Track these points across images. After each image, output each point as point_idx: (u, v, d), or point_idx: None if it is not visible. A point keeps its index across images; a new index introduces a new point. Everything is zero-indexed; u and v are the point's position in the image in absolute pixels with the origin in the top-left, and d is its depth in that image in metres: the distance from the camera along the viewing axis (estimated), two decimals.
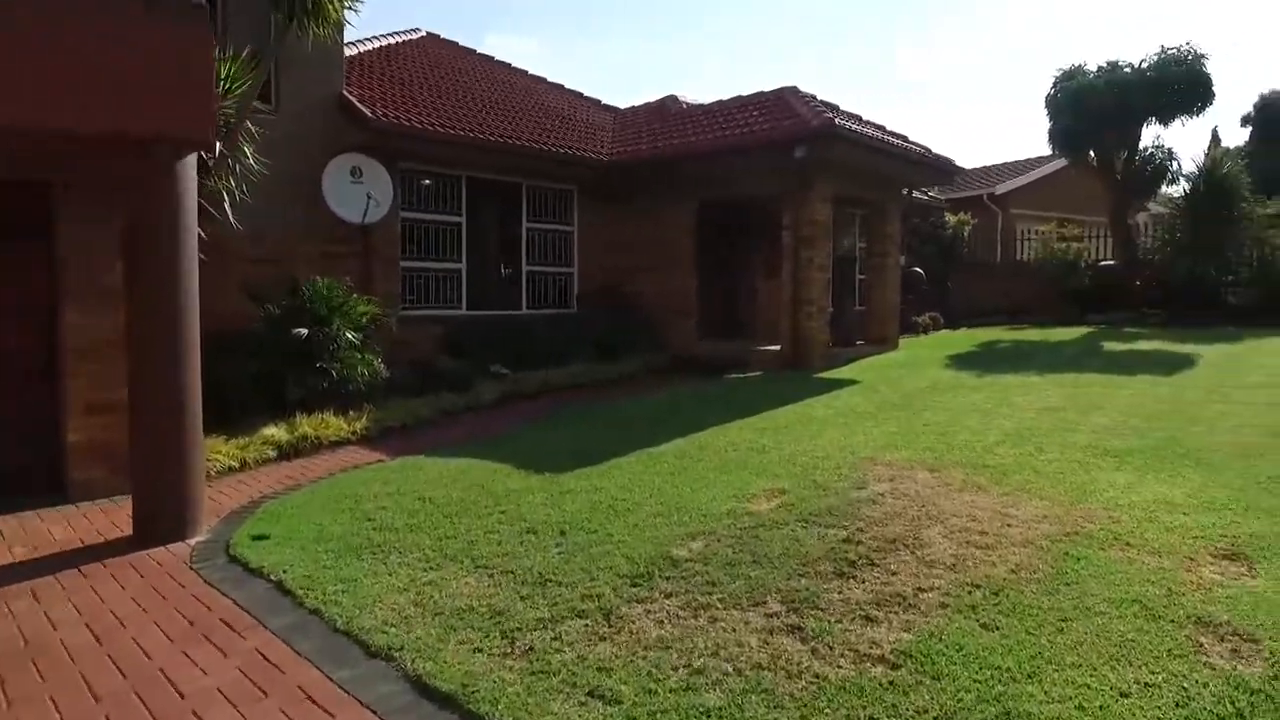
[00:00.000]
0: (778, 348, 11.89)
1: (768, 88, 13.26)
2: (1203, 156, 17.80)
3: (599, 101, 17.59)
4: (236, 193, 7.52)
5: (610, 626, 3.44)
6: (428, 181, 11.74)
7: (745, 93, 13.84)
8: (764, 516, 4.72)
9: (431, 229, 11.66)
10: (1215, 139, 29.62)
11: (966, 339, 14.89)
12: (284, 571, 4.25)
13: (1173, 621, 3.22)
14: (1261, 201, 18.42)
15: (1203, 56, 17.16)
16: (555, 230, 13.40)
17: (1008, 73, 76.67)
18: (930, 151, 12.96)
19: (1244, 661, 2.93)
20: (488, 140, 11.54)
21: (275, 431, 7.29)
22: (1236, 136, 29.49)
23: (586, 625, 3.47)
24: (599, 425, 8.01)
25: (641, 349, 12.68)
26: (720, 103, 14.28)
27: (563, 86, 17.33)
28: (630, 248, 13.67)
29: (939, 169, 13.10)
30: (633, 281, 13.53)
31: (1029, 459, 5.76)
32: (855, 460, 5.87)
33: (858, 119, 12.21)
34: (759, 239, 13.59)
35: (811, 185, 11.44)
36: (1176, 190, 18.93)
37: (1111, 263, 18.45)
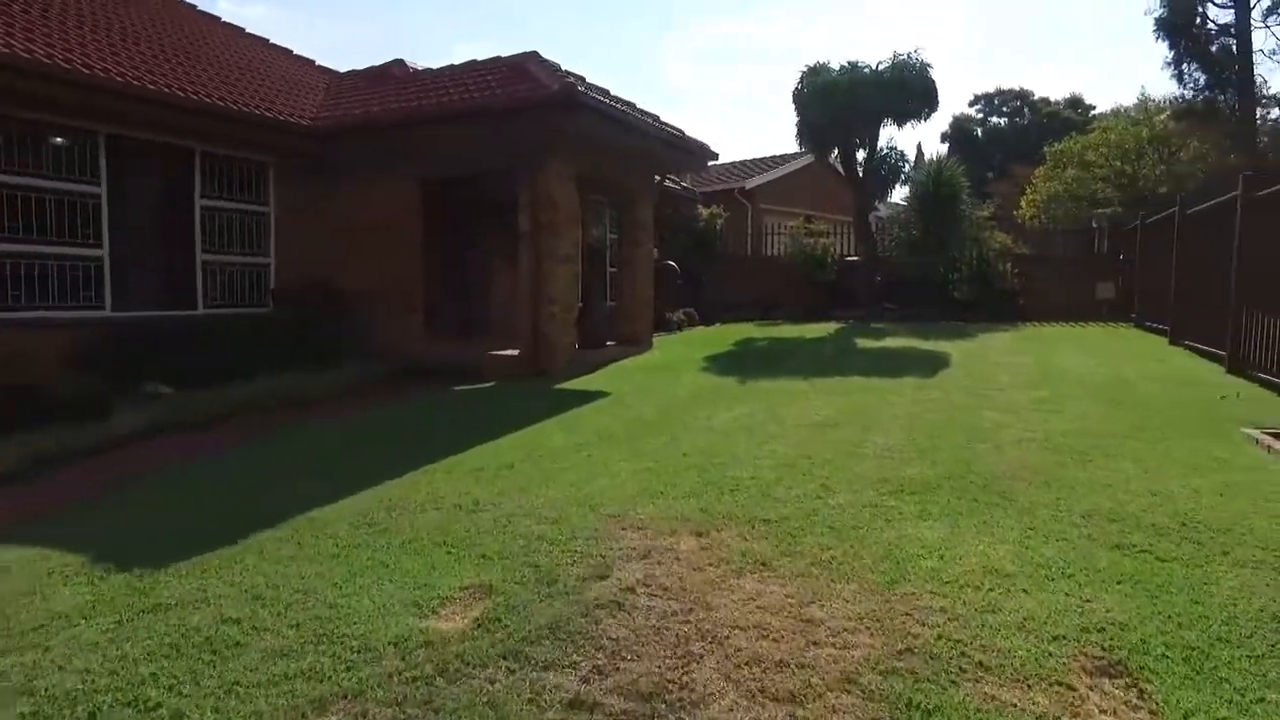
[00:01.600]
0: (516, 352, 10.16)
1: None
2: (928, 160, 18.54)
3: (313, 62, 14.83)
4: None
5: None
6: (60, 139, 8.70)
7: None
8: (453, 646, 2.94)
9: (52, 201, 8.63)
10: (920, 152, 32.15)
11: (723, 336, 14.09)
12: None
13: None
14: (977, 204, 19.64)
15: (928, 65, 17.77)
16: (245, 210, 10.71)
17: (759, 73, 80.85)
18: (684, 134, 11.85)
19: None
20: (141, 87, 8.73)
21: None
22: (936, 150, 32.44)
23: None
24: (257, 469, 5.81)
25: (356, 355, 10.41)
26: (451, 67, 12.28)
27: (270, 42, 14.39)
28: (343, 233, 11.28)
29: (693, 153, 12.04)
30: (346, 273, 11.16)
31: (818, 505, 4.46)
32: (597, 522, 4.25)
33: (604, 92, 10.76)
34: (498, 224, 11.75)
35: (551, 161, 9.82)
36: (906, 191, 19.81)
37: (855, 258, 18.75)
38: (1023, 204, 28.73)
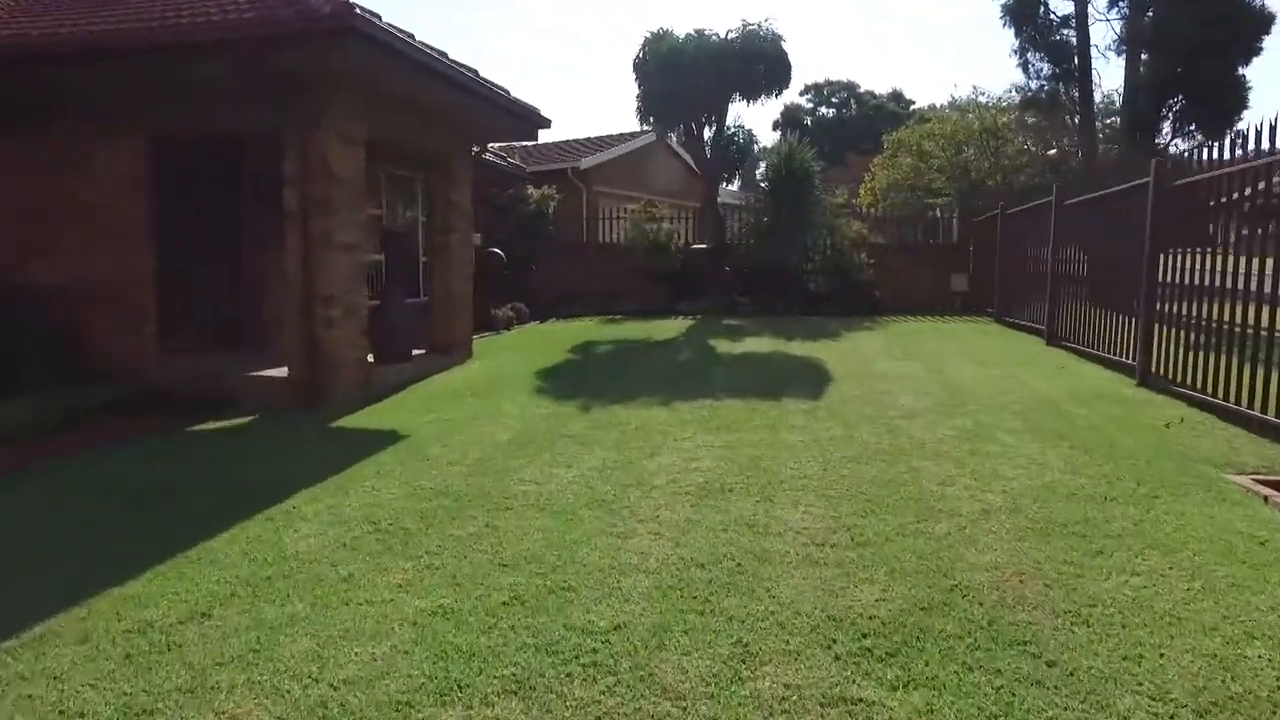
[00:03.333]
0: (283, 373, 7.56)
1: None
2: (778, 141, 17.19)
3: None
4: None
5: None
6: None
7: None
8: None
9: None
10: (752, 137, 31.34)
11: (559, 338, 11.94)
12: None
13: None
14: (830, 190, 18.58)
15: (780, 37, 16.36)
16: None
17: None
18: (510, 94, 9.52)
19: None
20: None
21: None
22: (769, 138, 31.85)
23: None
24: None
25: (51, 377, 7.42)
26: None
27: None
28: (29, 213, 8.16)
29: (520, 118, 9.74)
30: (33, 267, 8.07)
31: (737, 703, 2.44)
32: None
33: (408, 35, 8.23)
34: (261, 200, 8.95)
35: (329, 116, 7.27)
36: (757, 174, 18.43)
37: (703, 246, 17.13)
38: (861, 192, 28.54)
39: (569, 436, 5.89)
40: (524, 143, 15.15)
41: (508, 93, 9.43)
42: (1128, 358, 8.09)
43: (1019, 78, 27.31)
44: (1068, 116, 23.42)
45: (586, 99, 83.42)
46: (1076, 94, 21.93)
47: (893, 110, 51.87)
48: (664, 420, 6.37)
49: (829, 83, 58.84)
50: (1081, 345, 9.65)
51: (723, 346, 10.78)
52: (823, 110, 58.83)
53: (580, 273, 17.77)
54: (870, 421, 6.18)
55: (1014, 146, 24.41)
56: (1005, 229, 13.98)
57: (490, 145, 14.89)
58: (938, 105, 42.88)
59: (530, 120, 9.83)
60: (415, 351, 9.04)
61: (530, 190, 17.94)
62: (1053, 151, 23.56)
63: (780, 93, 16.45)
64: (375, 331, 8.35)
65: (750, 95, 16.45)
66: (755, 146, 17.79)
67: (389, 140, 8.65)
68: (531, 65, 76.94)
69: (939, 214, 20.82)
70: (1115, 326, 8.59)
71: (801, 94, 58.48)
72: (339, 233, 7.35)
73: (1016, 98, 24.88)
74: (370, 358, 8.10)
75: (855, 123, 52.84)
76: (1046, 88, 22.09)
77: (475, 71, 9.09)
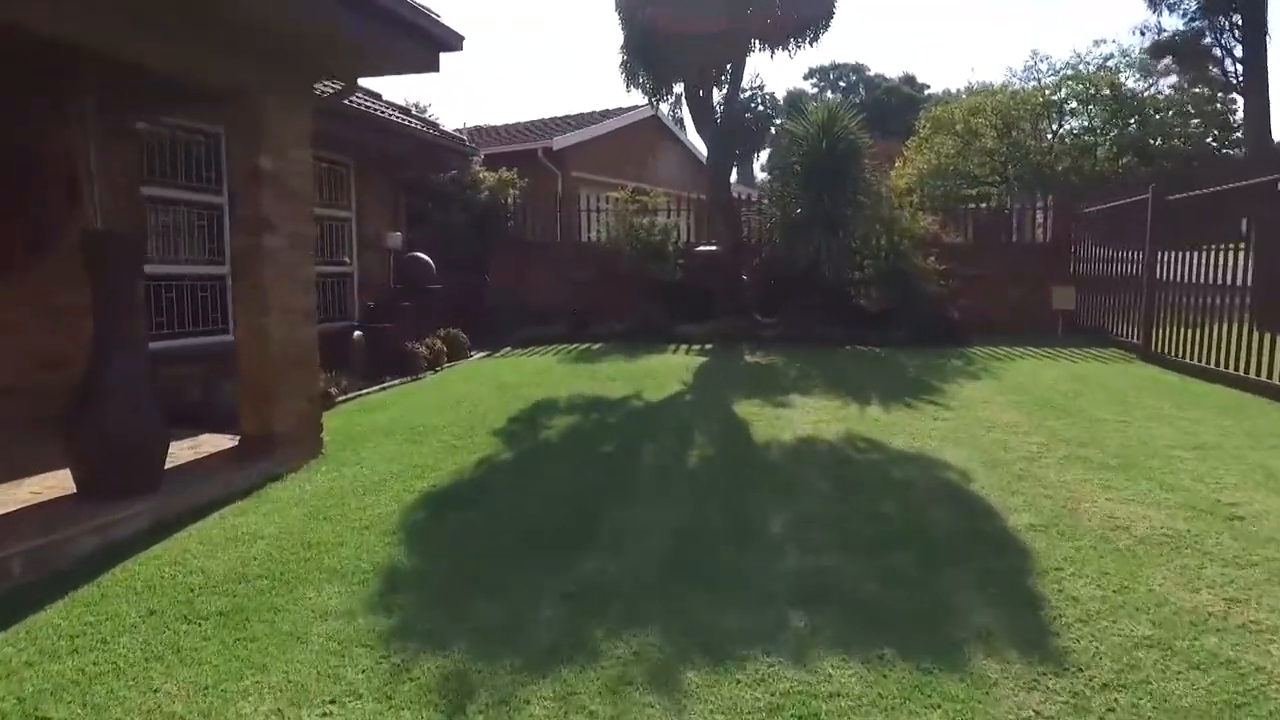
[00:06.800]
0: None
1: None
2: (813, 107, 12.82)
3: None
4: None
5: None
6: None
7: None
8: None
9: None
10: (774, 103, 26.91)
11: (493, 398, 7.53)
12: None
13: None
14: (881, 172, 14.29)
15: None
16: None
17: None
18: None
19: None
20: None
21: None
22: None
23: None
24: None
25: None
26: None
27: None
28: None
29: (381, 18, 5.24)
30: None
31: None
32: None
33: None
34: None
35: None
36: (758, 165, 14.08)
37: (712, 247, 12.73)
38: (891, 177, 24.19)
39: None
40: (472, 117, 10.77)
41: None
42: None
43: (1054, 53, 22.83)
44: (1216, 68, 18.49)
45: (566, 73, 78.40)
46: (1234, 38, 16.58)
47: (907, 94, 47.59)
48: None
49: (835, 65, 54.56)
50: None
51: (758, 421, 6.41)
52: (829, 95, 54.44)
53: (551, 281, 13.39)
54: None
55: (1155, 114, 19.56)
56: (1162, 223, 9.58)
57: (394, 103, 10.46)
58: (953, 90, 38.68)
59: (413, 29, 5.37)
60: (196, 450, 4.64)
61: (482, 173, 13.54)
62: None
63: (817, 38, 12.03)
64: (78, 440, 4.06)
65: (775, 42, 12.04)
66: (776, 119, 13.21)
67: (108, 52, 4.24)
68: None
69: (1008, 203, 16.41)
70: None
71: (806, 77, 54.24)
72: None
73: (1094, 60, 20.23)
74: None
75: (866, 108, 48.48)
76: (1192, 28, 16.81)
77: None
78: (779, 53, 12.24)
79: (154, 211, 7.22)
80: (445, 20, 5.66)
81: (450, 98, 57.66)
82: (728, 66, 12.21)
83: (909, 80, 51.93)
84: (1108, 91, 18.89)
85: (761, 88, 13.30)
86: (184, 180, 7.45)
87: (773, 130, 13.42)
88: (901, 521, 4.12)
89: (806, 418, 6.49)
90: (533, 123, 19.90)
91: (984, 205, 16.44)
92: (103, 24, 4.07)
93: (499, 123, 20.25)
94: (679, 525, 4.16)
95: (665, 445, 5.76)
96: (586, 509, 4.41)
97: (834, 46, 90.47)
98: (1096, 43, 25.43)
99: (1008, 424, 6.12)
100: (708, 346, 10.94)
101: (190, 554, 3.83)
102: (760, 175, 41.03)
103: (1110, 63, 20.23)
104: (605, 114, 19.89)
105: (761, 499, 4.54)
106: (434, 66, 5.84)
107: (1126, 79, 19.57)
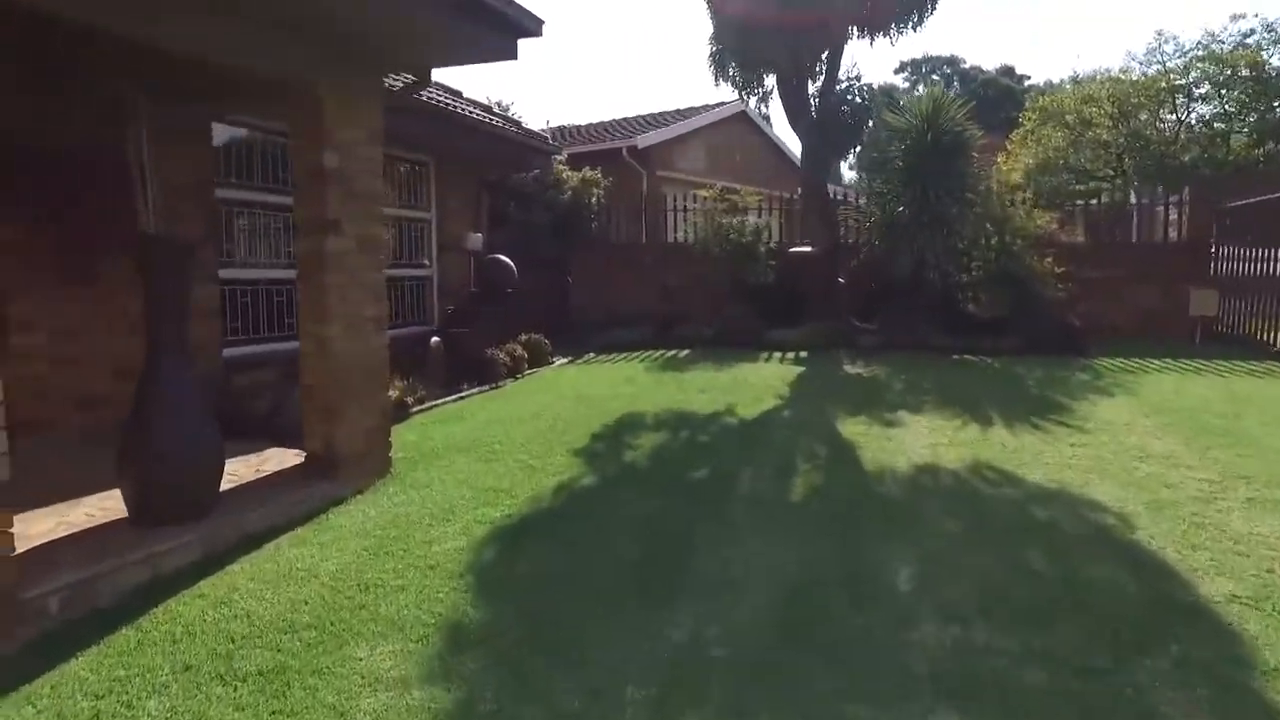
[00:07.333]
0: None
1: None
2: (917, 96, 11.95)
3: None
4: None
5: None
6: None
7: None
8: None
9: None
10: (870, 96, 25.88)
11: (574, 410, 7.06)
12: None
13: None
14: (991, 166, 13.30)
15: None
16: None
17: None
18: None
19: None
20: None
21: None
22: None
23: None
24: None
25: None
26: None
27: None
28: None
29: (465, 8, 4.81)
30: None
31: None
32: None
33: None
34: None
35: None
36: (847, 166, 13.20)
37: (806, 249, 11.99)
38: (1002, 171, 22.83)
39: None
40: (560, 123, 10.33)
41: None
42: None
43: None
44: None
45: (649, 72, 77.98)
46: None
47: (1006, 85, 45.34)
48: None
49: (928, 58, 52.45)
50: None
51: (867, 443, 5.73)
52: (920, 90, 52.44)
53: (634, 284, 12.92)
54: None
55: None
56: None
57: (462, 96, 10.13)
58: (1055, 81, 36.54)
59: (489, 13, 4.92)
60: (257, 466, 4.31)
61: (565, 173, 13.17)
62: None
63: (921, 21, 11.21)
64: (125, 458, 3.76)
65: (876, 28, 11.28)
66: (871, 112, 12.34)
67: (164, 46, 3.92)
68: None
69: (1133, 198, 15.08)
70: None
71: (896, 72, 52.37)
72: None
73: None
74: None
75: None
76: None
77: None
78: (879, 39, 11.51)
79: (232, 215, 7.03)
80: (522, 2, 5.20)
81: (532, 98, 58.08)
82: (823, 55, 11.48)
83: (1007, 71, 49.47)
84: (1247, 72, 17.18)
85: (858, 79, 12.46)
86: (259, 182, 7.24)
87: (868, 125, 12.58)
88: (1058, 581, 3.41)
89: (921, 440, 5.77)
90: (615, 121, 19.47)
91: (1093, 202, 15.14)
92: (154, 10, 3.74)
93: (581, 122, 19.90)
94: (786, 574, 3.56)
95: (764, 471, 5.15)
96: (678, 550, 3.86)
97: (928, 37, 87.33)
98: (1234, 18, 23.31)
99: (1163, 454, 5.27)
100: (802, 354, 10.25)
101: (238, 593, 3.45)
102: (848, 174, 39.67)
103: (1251, 40, 18.41)
104: (690, 111, 19.32)
105: (880, 542, 3.89)
106: (512, 54, 5.38)
107: (1271, 56, 17.74)
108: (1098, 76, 21.41)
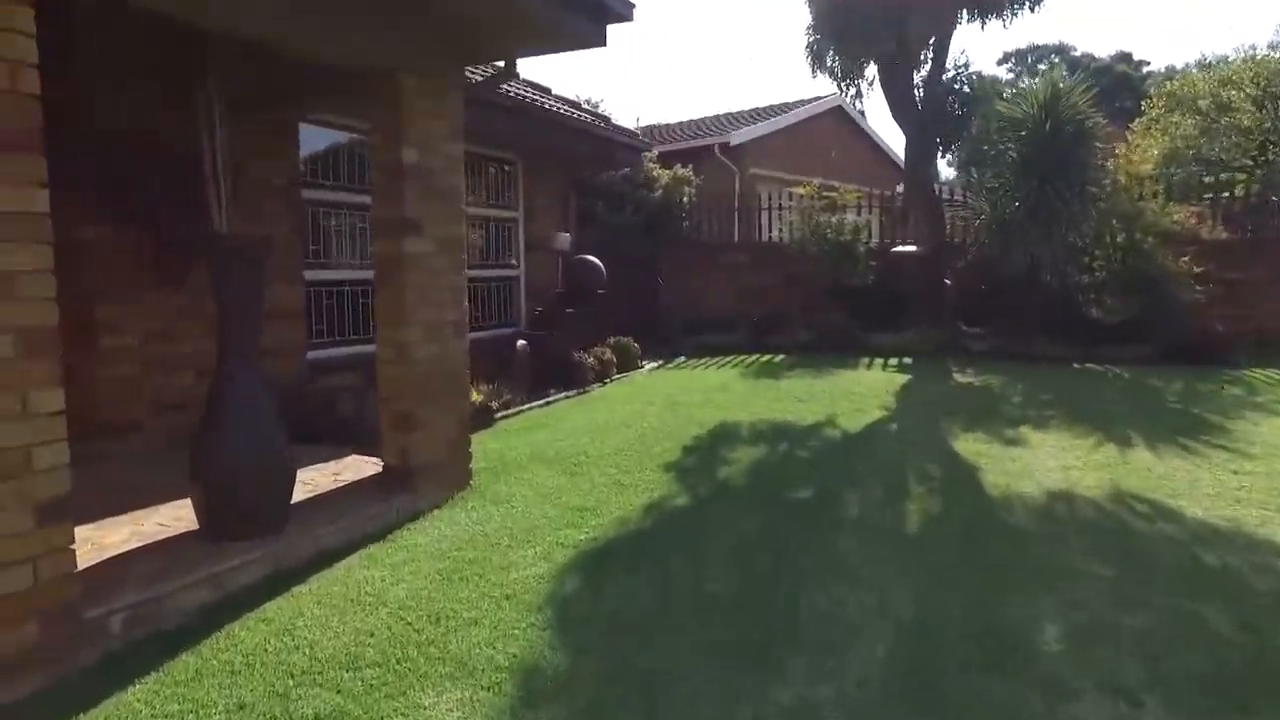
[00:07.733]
0: None
1: None
2: (1033, 83, 11.09)
3: None
4: None
5: None
6: None
7: None
8: None
9: None
10: (976, 83, 24.57)
11: (667, 418, 6.69)
12: None
13: None
14: (1124, 159, 12.29)
15: None
16: None
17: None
18: None
19: None
20: None
21: None
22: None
23: None
24: None
25: None
26: None
27: None
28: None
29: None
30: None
31: None
32: None
33: None
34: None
35: None
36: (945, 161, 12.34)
37: (909, 248, 11.30)
38: (1115, 167, 21.32)
39: None
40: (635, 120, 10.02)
41: None
42: None
43: None
44: None
45: (741, 69, 76.74)
46: None
47: (1122, 73, 42.66)
48: None
49: (1034, 48, 49.89)
50: None
51: (988, 464, 5.15)
52: (1025, 81, 49.95)
53: (727, 285, 12.46)
54: None
55: None
56: None
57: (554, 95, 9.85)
58: (1178, 66, 34.02)
59: (585, 1, 4.60)
60: (335, 474, 4.11)
61: (655, 171, 12.83)
62: None
63: (1039, 2, 10.39)
64: (200, 477, 3.60)
65: (988, 10, 10.51)
66: (973, 98, 11.49)
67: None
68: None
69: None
70: None
71: (1000, 62, 50.04)
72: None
73: None
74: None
75: None
76: None
77: None
78: (991, 22, 10.73)
79: (320, 215, 6.95)
80: None
81: (622, 97, 58.10)
82: (930, 41, 10.75)
83: (1124, 57, 46.52)
84: None
85: (966, 66, 11.68)
86: (345, 182, 7.15)
87: (975, 118, 11.75)
88: (1249, 649, 2.83)
89: (1051, 461, 5.15)
90: (707, 119, 19.03)
91: (1225, 196, 13.77)
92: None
93: (672, 120, 19.55)
94: (906, 621, 3.09)
95: (873, 494, 4.65)
96: (779, 586, 3.43)
97: (1035, 25, 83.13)
98: None
99: None
100: (905, 360, 9.61)
101: (302, 619, 3.20)
102: (947, 171, 37.97)
103: None
104: (784, 107, 18.71)
105: (1017, 587, 3.36)
106: (600, 40, 5.04)
107: None
108: (1233, 58, 19.65)
